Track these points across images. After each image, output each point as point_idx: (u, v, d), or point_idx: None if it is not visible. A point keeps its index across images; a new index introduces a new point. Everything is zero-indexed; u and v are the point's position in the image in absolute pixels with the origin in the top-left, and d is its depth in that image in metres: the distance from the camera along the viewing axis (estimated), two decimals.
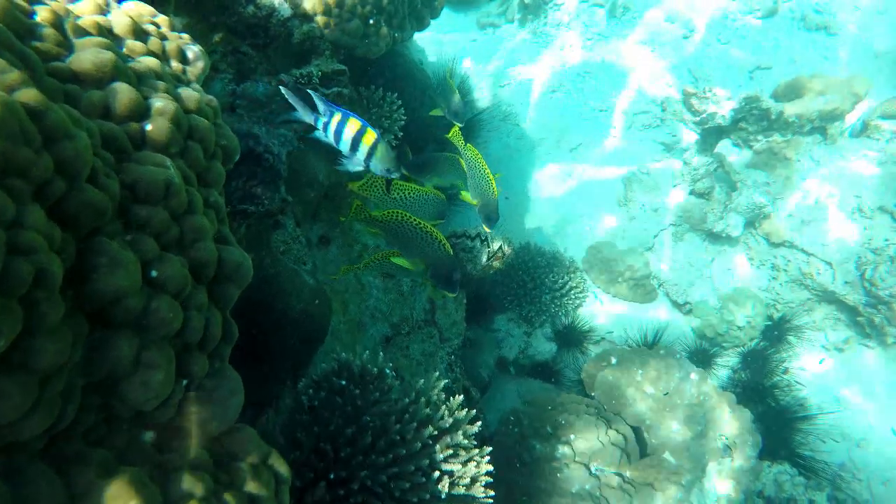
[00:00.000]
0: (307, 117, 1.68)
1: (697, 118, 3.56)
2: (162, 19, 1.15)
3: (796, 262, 3.81)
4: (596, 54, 4.85)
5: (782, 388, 3.75)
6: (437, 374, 1.76)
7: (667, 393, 2.94)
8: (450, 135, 2.48)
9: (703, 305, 3.80)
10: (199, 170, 0.95)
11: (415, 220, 2.00)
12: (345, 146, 1.66)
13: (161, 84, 0.94)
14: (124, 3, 1.14)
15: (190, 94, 0.99)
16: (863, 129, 4.21)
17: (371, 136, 1.64)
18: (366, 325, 2.82)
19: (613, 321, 4.04)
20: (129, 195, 0.81)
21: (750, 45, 4.80)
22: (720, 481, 2.80)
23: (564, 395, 3.01)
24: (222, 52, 2.38)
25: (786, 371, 3.81)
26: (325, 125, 1.65)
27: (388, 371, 1.67)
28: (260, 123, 2.34)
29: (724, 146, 3.88)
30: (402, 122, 2.67)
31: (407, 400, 1.58)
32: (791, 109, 3.85)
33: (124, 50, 1.00)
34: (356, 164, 1.70)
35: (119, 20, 1.01)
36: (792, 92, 4.11)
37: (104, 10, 1.01)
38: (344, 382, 1.58)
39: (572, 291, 3.97)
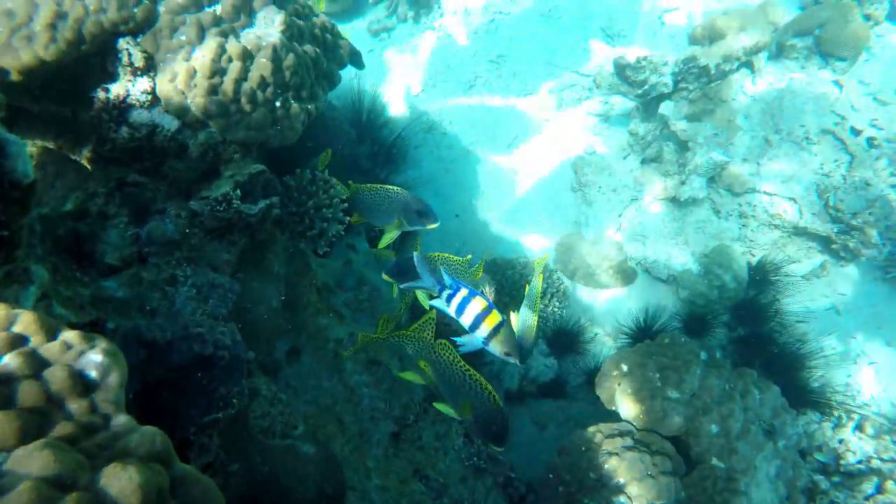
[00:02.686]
0: (433, 288, 1.74)
1: (639, 90, 3.34)
2: (26, 320, 0.73)
3: (762, 205, 3.74)
4: (503, 35, 4.53)
5: (779, 329, 3.73)
6: None
7: (693, 394, 2.79)
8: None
9: (688, 275, 3.68)
10: None
11: (464, 365, 1.94)
12: (466, 323, 1.69)
13: None
14: None
15: (123, 483, 0.60)
16: (779, 51, 4.15)
17: (495, 318, 1.68)
18: (368, 431, 2.48)
19: (601, 313, 3.87)
20: None
21: None
22: (769, 466, 2.71)
23: (592, 430, 2.80)
24: (105, 191, 1.89)
25: (777, 312, 3.78)
26: (449, 297, 1.71)
27: None
28: (182, 266, 1.89)
29: (665, 106, 3.71)
30: (344, 205, 2.27)
31: None
32: (717, 52, 3.71)
33: None
34: (474, 344, 1.74)
35: None
36: (711, 33, 3.97)
37: None
38: None
39: (554, 297, 3.75)
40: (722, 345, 3.83)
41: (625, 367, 3.09)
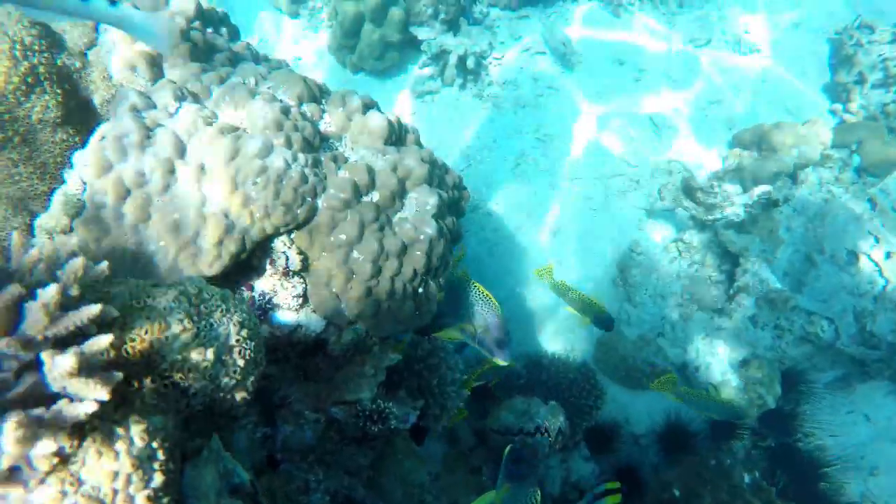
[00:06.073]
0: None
1: (709, 215, 3.35)
2: None
3: (800, 321, 3.85)
4: (550, 113, 4.43)
5: (804, 440, 3.88)
6: None
7: None
8: None
9: (727, 387, 3.76)
10: None
11: None
12: None
13: None
14: None
15: None
16: (819, 160, 4.27)
17: None
18: None
19: (637, 413, 3.91)
20: None
21: (694, 77, 4.63)
22: None
23: None
24: None
25: (801, 423, 3.92)
26: None
27: None
28: (314, 470, 1.74)
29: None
30: (464, 376, 2.14)
31: None
32: (772, 167, 3.78)
33: None
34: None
35: None
36: (759, 140, 4.03)
37: None
38: None
39: (598, 400, 3.74)
40: (747, 448, 3.95)
41: (676, 492, 3.14)
